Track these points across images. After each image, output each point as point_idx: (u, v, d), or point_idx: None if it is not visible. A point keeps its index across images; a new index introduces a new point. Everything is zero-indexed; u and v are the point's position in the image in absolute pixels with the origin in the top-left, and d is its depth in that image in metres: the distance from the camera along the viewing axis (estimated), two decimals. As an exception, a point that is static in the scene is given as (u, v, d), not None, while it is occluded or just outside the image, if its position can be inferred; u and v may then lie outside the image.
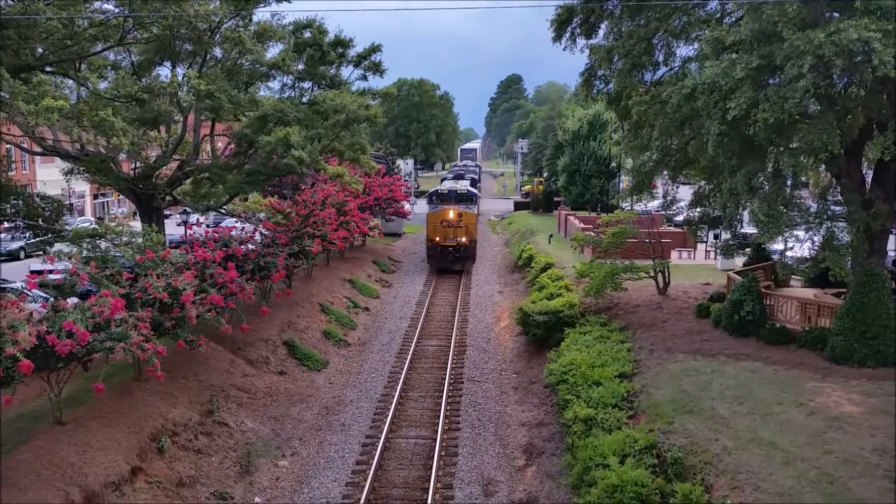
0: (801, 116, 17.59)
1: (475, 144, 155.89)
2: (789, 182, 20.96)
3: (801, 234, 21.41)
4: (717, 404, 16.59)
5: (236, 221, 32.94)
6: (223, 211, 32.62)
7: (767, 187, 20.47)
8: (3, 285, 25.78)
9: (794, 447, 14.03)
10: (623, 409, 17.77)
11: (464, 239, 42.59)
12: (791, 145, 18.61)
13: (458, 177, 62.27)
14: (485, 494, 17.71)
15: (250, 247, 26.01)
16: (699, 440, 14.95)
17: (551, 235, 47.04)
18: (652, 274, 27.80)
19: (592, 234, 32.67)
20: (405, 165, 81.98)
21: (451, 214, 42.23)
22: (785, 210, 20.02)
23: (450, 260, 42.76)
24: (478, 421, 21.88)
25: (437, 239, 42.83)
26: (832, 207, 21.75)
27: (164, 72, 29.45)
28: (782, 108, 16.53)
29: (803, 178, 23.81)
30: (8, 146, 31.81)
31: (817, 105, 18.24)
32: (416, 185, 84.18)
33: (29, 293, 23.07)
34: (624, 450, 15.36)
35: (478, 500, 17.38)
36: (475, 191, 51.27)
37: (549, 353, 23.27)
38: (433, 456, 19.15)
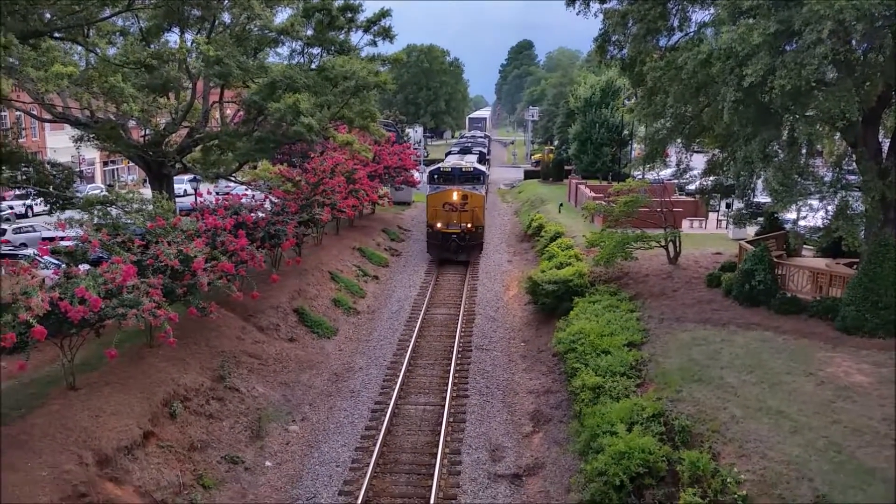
0: (818, 83, 17.29)
1: (485, 113, 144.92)
2: (804, 151, 20.68)
3: (814, 203, 21.20)
4: (725, 373, 16.59)
5: (246, 189, 32.90)
6: (233, 179, 32.60)
7: (782, 156, 20.23)
8: (14, 252, 25.98)
9: (802, 416, 14.04)
10: (631, 378, 17.82)
11: (469, 225, 36.87)
12: (807, 113, 18.33)
13: (465, 150, 53.46)
14: (492, 460, 17.89)
15: (260, 215, 26.03)
16: (707, 409, 14.98)
17: (561, 204, 46.78)
18: (663, 243, 27.65)
19: (603, 202, 32.45)
20: (414, 133, 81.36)
21: (455, 196, 36.90)
22: (799, 179, 19.79)
23: (453, 249, 37.31)
24: (486, 388, 22.02)
25: (439, 225, 37.14)
26: (847, 176, 21.48)
27: (172, 38, 29.26)
28: (800, 75, 16.24)
29: (818, 147, 23.50)
30: (18, 113, 31.78)
31: (835, 72, 17.91)
32: (425, 154, 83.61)
33: (41, 260, 23.26)
34: (632, 417, 15.43)
35: (485, 466, 17.57)
36: (483, 168, 44.08)
37: (558, 322, 23.31)
38: (441, 422, 19.33)
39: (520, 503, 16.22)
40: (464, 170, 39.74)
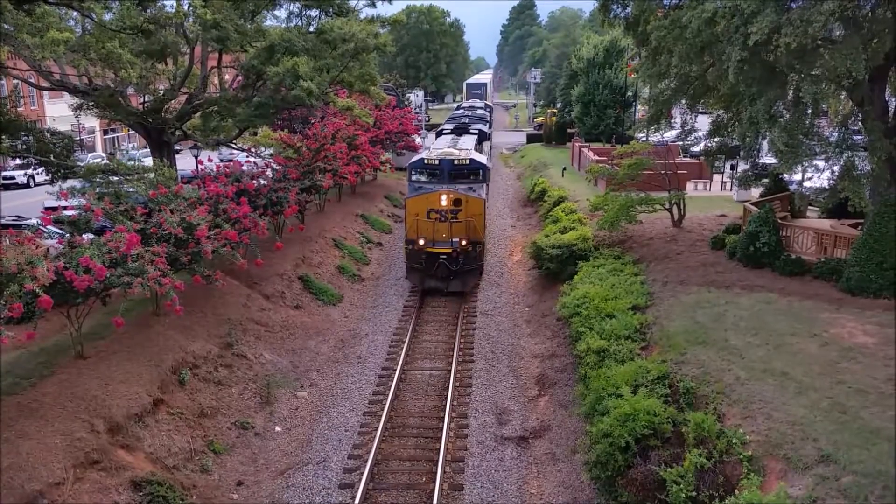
0: (824, 41, 17.02)
1: (485, 77, 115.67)
2: (809, 111, 20.46)
3: (820, 163, 21.04)
4: (730, 335, 16.64)
5: (247, 156, 32.71)
6: (233, 146, 32.39)
7: (787, 116, 20.01)
8: (18, 222, 25.94)
9: (806, 377, 14.11)
10: (636, 341, 17.89)
11: (464, 241, 26.60)
12: (813, 72, 18.08)
13: (459, 130, 38.43)
14: (499, 423, 18.08)
15: (262, 182, 25.93)
16: (712, 370, 15.06)
17: (565, 168, 46.52)
18: (667, 206, 27.55)
19: (607, 166, 32.27)
20: (415, 98, 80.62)
21: (444, 201, 26.66)
22: (804, 139, 19.61)
23: (441, 275, 26.67)
24: (491, 353, 22.16)
25: (422, 242, 26.56)
26: (853, 136, 21.28)
27: (169, 2, 28.77)
28: (805, 33, 15.98)
29: (824, 107, 23.25)
30: (15, 81, 31.46)
31: (842, 29, 17.62)
32: (426, 118, 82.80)
33: (45, 229, 23.24)
34: (636, 380, 15.52)
35: (492, 429, 17.76)
36: (483, 160, 30.73)
37: (562, 287, 23.35)
38: (448, 387, 19.50)
39: (526, 464, 16.43)
40: (457, 162, 28.25)
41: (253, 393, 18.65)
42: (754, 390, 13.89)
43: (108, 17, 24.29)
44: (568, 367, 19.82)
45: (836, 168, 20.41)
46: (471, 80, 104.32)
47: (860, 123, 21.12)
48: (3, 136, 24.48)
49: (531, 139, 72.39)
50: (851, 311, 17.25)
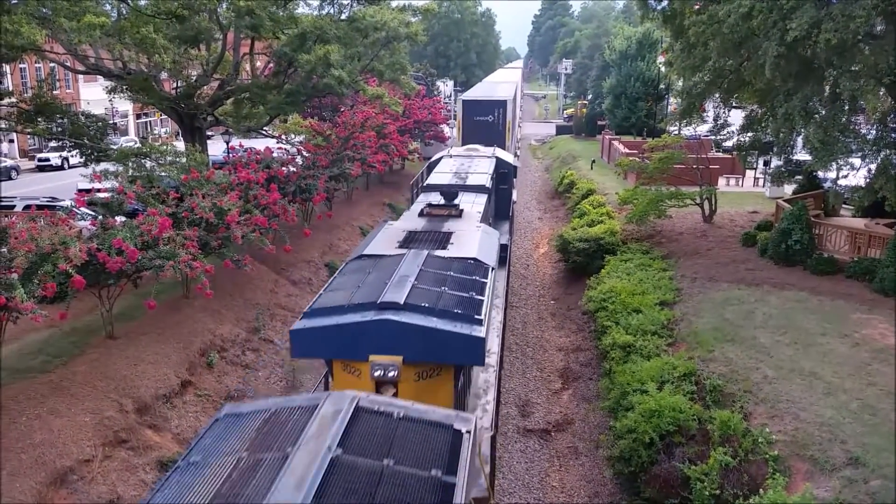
0: (865, 36, 16.64)
1: (510, 75, 66.13)
2: (846, 107, 20.05)
3: (856, 161, 20.63)
4: (759, 334, 16.44)
5: (278, 143, 32.93)
6: (264, 132, 32.64)
7: (823, 112, 19.64)
8: (52, 203, 26.42)
9: (836, 378, 13.90)
10: (663, 337, 17.74)
11: None
12: (852, 68, 17.70)
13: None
14: (522, 415, 18.07)
15: (292, 169, 26.09)
16: (739, 369, 14.90)
17: (594, 161, 46.14)
18: (698, 201, 27.23)
19: (637, 159, 31.94)
20: (445, 87, 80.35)
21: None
22: (841, 136, 19.24)
23: None
24: (516, 345, 22.13)
25: None
26: (891, 134, 20.82)
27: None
28: (847, 28, 15.64)
29: (861, 103, 22.80)
30: (52, 65, 31.96)
31: (884, 24, 17.21)
32: (455, 108, 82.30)
33: (78, 211, 23.64)
34: (662, 376, 15.40)
35: (515, 420, 17.76)
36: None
37: (589, 281, 23.21)
38: (471, 377, 19.43)
39: (548, 457, 16.41)
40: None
41: (279, 377, 18.85)
42: (782, 390, 13.72)
43: (143, 2, 24.57)
44: (592, 362, 19.73)
45: (872, 166, 19.99)
46: (475, 96, 38.50)
47: (900, 120, 20.66)
48: (40, 119, 24.91)
49: (560, 131, 71.87)
50: (884, 313, 16.93)
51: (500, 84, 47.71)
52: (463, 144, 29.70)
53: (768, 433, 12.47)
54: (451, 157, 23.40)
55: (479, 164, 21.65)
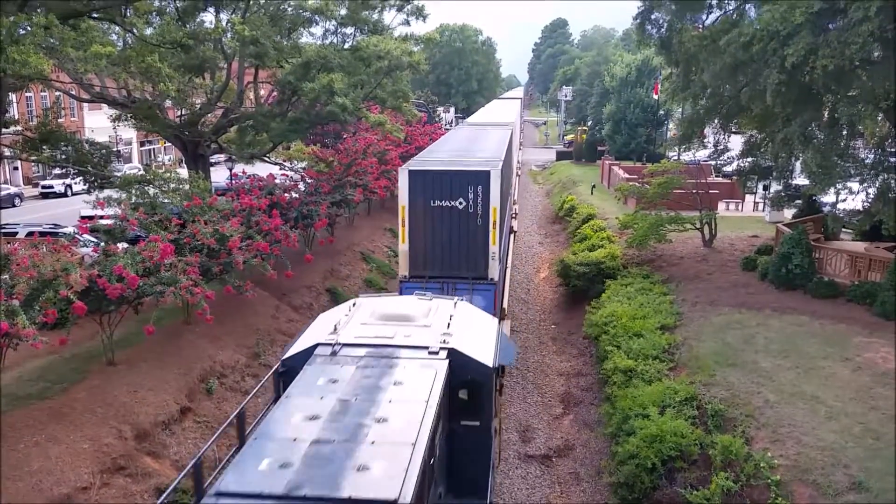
0: (862, 62, 16.81)
1: (502, 124, 34.01)
2: (845, 132, 20.19)
3: (854, 185, 20.72)
4: (760, 358, 16.40)
5: (280, 170, 33.16)
6: (267, 159, 32.87)
7: (822, 137, 19.77)
8: (55, 230, 26.56)
9: (838, 402, 13.84)
10: (664, 361, 17.70)
11: None
12: (850, 93, 17.86)
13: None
14: (522, 441, 17.96)
15: (294, 195, 26.24)
16: (741, 393, 14.84)
17: (594, 186, 46.35)
18: (698, 225, 27.30)
19: (637, 184, 32.09)
20: (446, 114, 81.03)
21: None
22: (839, 161, 19.35)
23: None
24: (516, 370, 22.05)
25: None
26: (889, 159, 20.93)
27: (208, 18, 29.42)
28: (843, 54, 15.83)
29: (860, 128, 22.97)
30: (57, 93, 32.35)
31: (881, 50, 17.39)
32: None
33: (80, 238, 23.77)
34: (664, 401, 15.34)
35: (515, 446, 17.64)
36: None
37: (590, 305, 23.20)
38: (473, 402, 19.23)
39: (549, 483, 16.28)
40: None
41: (279, 403, 18.76)
42: (784, 414, 13.66)
43: (148, 31, 24.94)
44: (593, 386, 19.65)
45: (871, 190, 20.07)
46: (430, 162, 19.84)
47: (898, 145, 20.79)
48: (45, 147, 25.14)
49: (561, 156, 72.30)
50: (886, 336, 16.90)
51: (489, 131, 28.95)
52: (404, 280, 17.76)
53: (770, 458, 12.40)
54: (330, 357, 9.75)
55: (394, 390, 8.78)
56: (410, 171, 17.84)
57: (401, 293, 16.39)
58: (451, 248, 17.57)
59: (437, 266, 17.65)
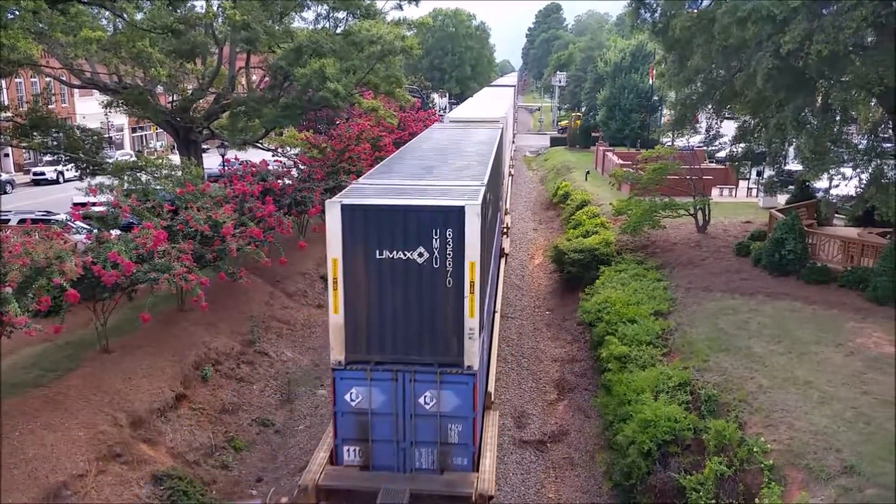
0: (855, 48, 16.80)
1: (490, 120, 29.38)
2: (838, 117, 20.22)
3: (847, 171, 20.77)
4: (753, 343, 16.49)
5: (273, 156, 33.02)
6: (260, 145, 32.70)
7: (815, 122, 19.79)
8: (47, 217, 26.41)
9: (830, 387, 13.94)
10: (658, 347, 17.77)
11: None
12: (843, 79, 17.86)
13: None
14: (517, 426, 18.04)
15: (287, 181, 26.14)
16: (734, 378, 14.93)
17: (588, 172, 46.31)
18: (692, 211, 27.34)
19: (631, 170, 32.08)
20: (440, 100, 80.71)
21: None
22: (832, 146, 19.39)
23: None
24: (511, 356, 22.12)
25: None
26: (882, 144, 20.98)
27: (199, 2, 29.17)
28: (837, 39, 15.80)
29: (853, 114, 23.01)
30: (48, 79, 32.05)
31: (874, 35, 17.39)
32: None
33: (73, 225, 23.65)
34: (658, 386, 15.42)
35: (510, 432, 17.73)
36: None
37: (584, 291, 23.25)
38: (467, 388, 19.22)
39: (544, 469, 16.38)
40: None
41: (274, 390, 18.81)
42: (777, 399, 13.75)
43: (139, 16, 24.69)
44: (587, 372, 19.74)
45: (864, 176, 20.13)
46: (363, 198, 12.15)
47: (890, 131, 20.81)
48: (35, 133, 24.93)
49: (555, 142, 72.18)
50: (878, 321, 17.01)
51: (473, 133, 23.46)
52: (338, 368, 13.02)
53: (763, 442, 12.48)
54: None
55: None
56: (344, 207, 11.75)
57: (335, 390, 12.68)
58: (406, 320, 12.13)
59: (387, 347, 12.35)
